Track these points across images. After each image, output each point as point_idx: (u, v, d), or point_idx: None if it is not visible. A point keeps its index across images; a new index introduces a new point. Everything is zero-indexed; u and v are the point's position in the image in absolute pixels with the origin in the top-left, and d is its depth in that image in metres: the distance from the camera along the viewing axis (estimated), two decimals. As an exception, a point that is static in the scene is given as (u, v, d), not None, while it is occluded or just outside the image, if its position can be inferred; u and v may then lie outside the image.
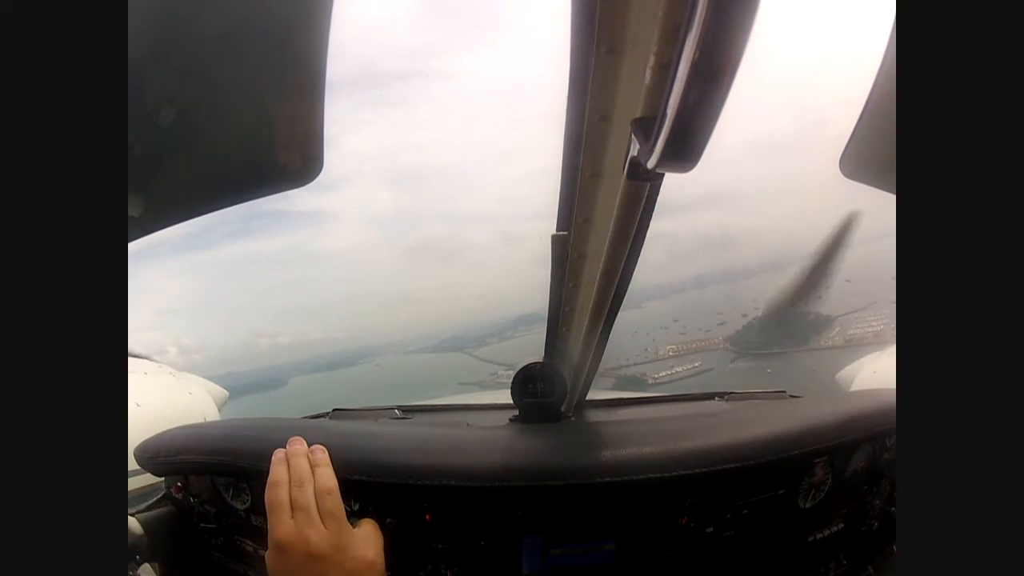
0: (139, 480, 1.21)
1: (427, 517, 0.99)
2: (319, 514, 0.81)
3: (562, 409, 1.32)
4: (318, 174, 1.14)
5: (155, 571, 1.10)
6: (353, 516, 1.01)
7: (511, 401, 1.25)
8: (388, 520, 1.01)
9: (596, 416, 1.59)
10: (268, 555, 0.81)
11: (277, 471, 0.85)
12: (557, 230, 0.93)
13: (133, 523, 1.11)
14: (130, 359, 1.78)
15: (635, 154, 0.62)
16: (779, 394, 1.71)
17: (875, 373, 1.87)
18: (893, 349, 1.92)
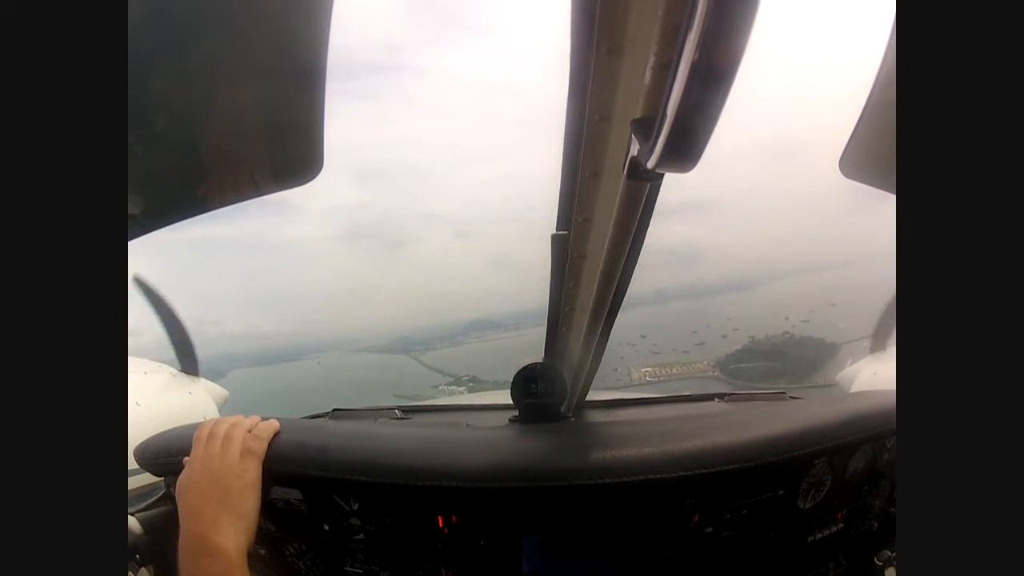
0: (139, 480, 1.21)
1: (432, 523, 0.99)
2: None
3: (562, 410, 1.32)
4: (319, 173, 1.13)
5: (151, 573, 1.10)
6: (353, 516, 1.01)
7: (511, 401, 1.25)
8: (388, 520, 1.01)
9: (596, 417, 1.59)
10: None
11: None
12: (557, 229, 0.93)
13: (133, 523, 1.11)
14: (130, 359, 1.78)
15: (635, 154, 0.62)
16: (779, 395, 1.71)
17: (875, 373, 1.87)
18: (893, 350, 1.92)
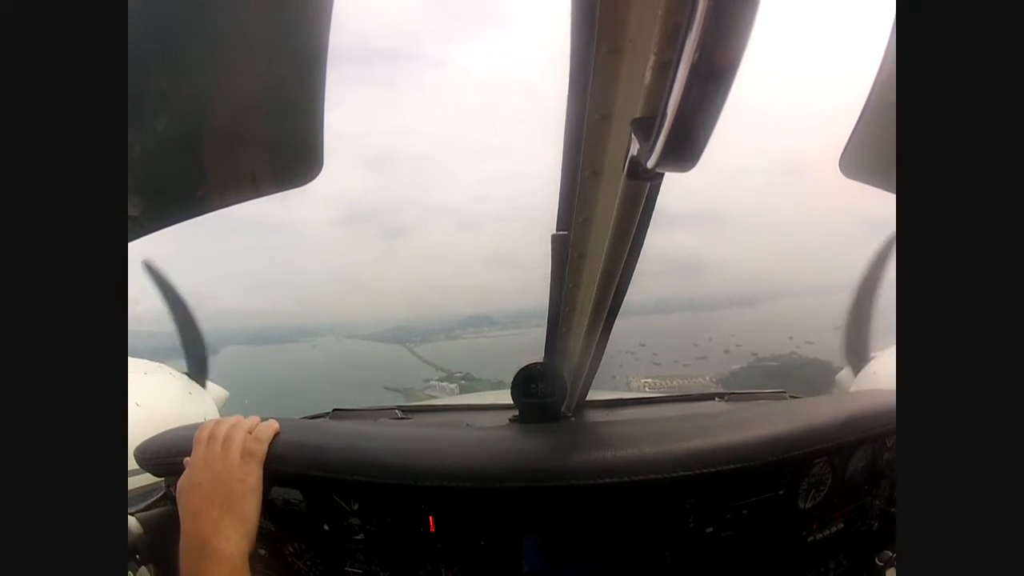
0: (139, 480, 1.21)
1: (431, 523, 0.99)
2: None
3: (562, 409, 1.32)
4: (318, 174, 1.14)
5: (151, 573, 1.10)
6: (353, 516, 1.01)
7: (511, 401, 1.25)
8: (388, 520, 1.01)
9: (596, 416, 1.59)
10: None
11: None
12: (557, 230, 0.93)
13: (133, 523, 1.11)
14: (130, 359, 1.78)
15: (635, 154, 0.62)
16: (779, 394, 1.71)
17: (875, 373, 1.87)
18: (893, 349, 1.92)
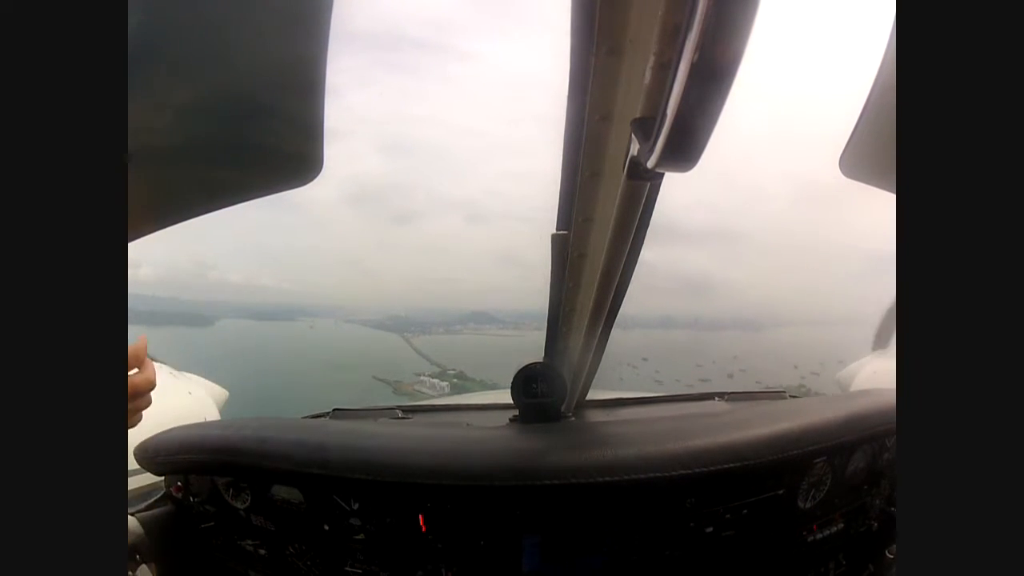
0: (139, 480, 1.21)
1: (421, 524, 0.99)
2: None
3: (562, 409, 1.32)
4: (318, 174, 1.14)
5: (152, 572, 1.10)
6: (353, 516, 1.02)
7: (511, 401, 1.25)
8: (388, 520, 1.01)
9: (596, 416, 1.59)
10: None
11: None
12: (557, 229, 0.93)
13: (133, 523, 1.11)
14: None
15: (635, 154, 0.62)
16: (779, 394, 1.71)
17: (875, 373, 1.87)
18: (893, 349, 1.92)
